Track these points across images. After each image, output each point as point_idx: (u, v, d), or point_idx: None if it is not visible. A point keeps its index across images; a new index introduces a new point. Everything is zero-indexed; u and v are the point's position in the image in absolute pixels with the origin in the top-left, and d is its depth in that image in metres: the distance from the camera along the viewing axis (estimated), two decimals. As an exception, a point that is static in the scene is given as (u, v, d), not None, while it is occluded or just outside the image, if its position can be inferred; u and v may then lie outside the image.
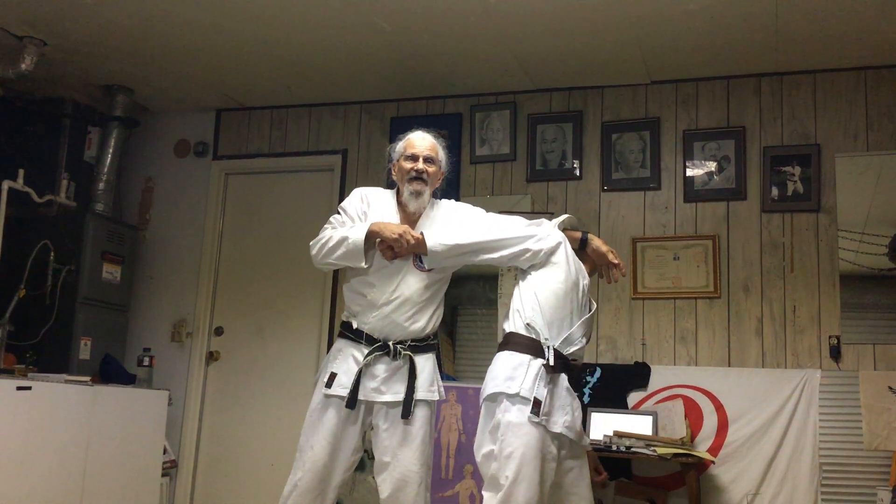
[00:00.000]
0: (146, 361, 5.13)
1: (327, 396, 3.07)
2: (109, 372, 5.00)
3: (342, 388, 3.05)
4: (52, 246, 4.93)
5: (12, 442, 3.96)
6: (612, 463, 4.42)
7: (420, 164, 3.17)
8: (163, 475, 4.99)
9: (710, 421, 4.44)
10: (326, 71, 5.02)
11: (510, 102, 5.15)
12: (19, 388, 4.03)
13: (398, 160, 3.25)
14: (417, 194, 3.17)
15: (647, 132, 4.90)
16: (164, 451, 5.02)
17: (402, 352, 3.07)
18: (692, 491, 4.16)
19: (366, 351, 3.07)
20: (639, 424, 4.37)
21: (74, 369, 4.83)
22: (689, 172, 4.80)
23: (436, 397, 3.16)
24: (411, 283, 3.09)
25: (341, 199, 5.37)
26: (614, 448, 4.19)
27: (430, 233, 3.07)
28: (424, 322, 3.12)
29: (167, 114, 5.79)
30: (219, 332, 5.50)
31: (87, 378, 4.54)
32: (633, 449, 4.15)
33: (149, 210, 5.74)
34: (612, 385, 4.62)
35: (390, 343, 3.08)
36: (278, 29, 4.49)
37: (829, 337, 4.41)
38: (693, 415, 4.44)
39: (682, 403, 4.45)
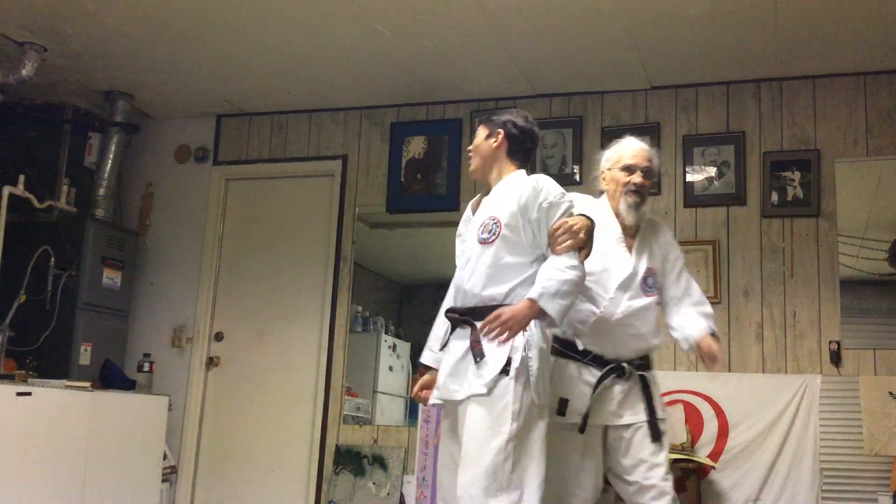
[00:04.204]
0: (146, 367, 5.13)
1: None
2: (109, 377, 4.99)
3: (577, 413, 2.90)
4: (52, 251, 4.94)
5: (12, 447, 3.96)
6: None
7: (637, 178, 3.03)
8: (163, 481, 4.98)
9: (710, 426, 4.43)
10: (326, 76, 5.02)
11: (510, 108, 5.12)
12: (19, 394, 4.03)
13: (610, 168, 3.11)
14: (637, 206, 3.03)
15: (646, 137, 4.81)
16: (164, 457, 5.01)
17: (633, 372, 2.93)
18: (692, 497, 4.15)
19: (596, 373, 2.90)
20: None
21: (74, 375, 4.82)
22: (688, 178, 4.80)
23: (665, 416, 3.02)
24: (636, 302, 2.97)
25: (342, 204, 5.42)
26: (615, 453, 4.18)
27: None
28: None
29: (167, 119, 5.79)
30: (219, 337, 5.49)
31: (87, 384, 4.54)
32: (633, 454, 4.14)
33: (149, 216, 5.74)
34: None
35: (624, 364, 2.93)
36: (278, 35, 4.50)
37: (830, 342, 4.41)
38: (693, 420, 4.43)
39: (683, 409, 4.45)
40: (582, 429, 2.87)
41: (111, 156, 5.43)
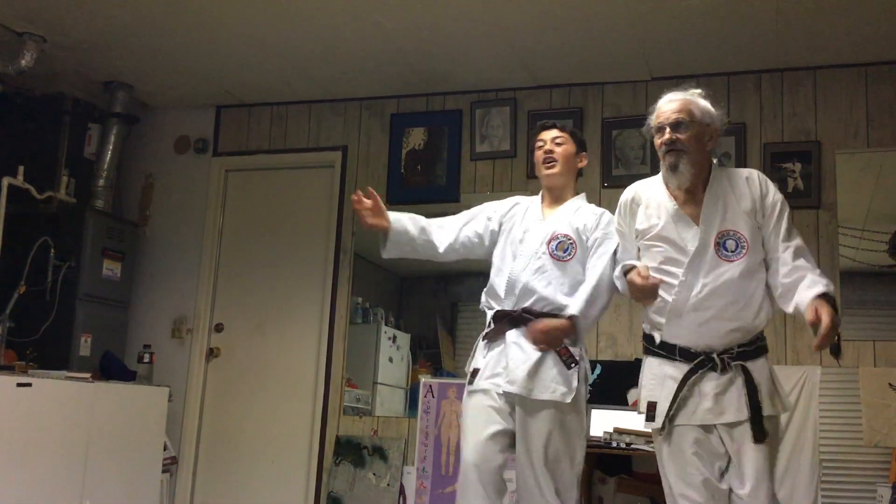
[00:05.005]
0: (146, 358, 5.14)
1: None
2: (110, 368, 4.99)
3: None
4: (52, 242, 4.93)
5: (12, 439, 3.96)
6: (612, 459, 4.42)
7: (667, 135, 2.67)
8: (163, 472, 4.99)
9: (710, 418, 4.44)
10: (327, 67, 5.01)
11: (510, 99, 5.14)
12: (19, 385, 4.03)
13: (653, 136, 2.78)
14: (673, 168, 2.67)
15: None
16: (165, 448, 5.03)
17: (728, 363, 2.60)
18: (692, 487, 4.15)
19: (684, 367, 2.62)
20: (639, 421, 4.36)
21: (75, 366, 4.82)
22: (689, 169, 4.79)
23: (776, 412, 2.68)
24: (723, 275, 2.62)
25: (342, 195, 5.41)
26: (614, 445, 4.19)
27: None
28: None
29: (167, 110, 5.78)
30: (219, 328, 5.50)
31: (88, 375, 4.54)
32: (633, 445, 4.15)
33: (149, 207, 5.74)
34: (613, 382, 4.61)
35: (713, 355, 2.61)
36: (278, 25, 4.48)
37: (830, 334, 4.40)
38: (693, 411, 4.44)
39: (683, 400, 4.45)
40: (666, 428, 2.62)
41: (111, 147, 5.42)
